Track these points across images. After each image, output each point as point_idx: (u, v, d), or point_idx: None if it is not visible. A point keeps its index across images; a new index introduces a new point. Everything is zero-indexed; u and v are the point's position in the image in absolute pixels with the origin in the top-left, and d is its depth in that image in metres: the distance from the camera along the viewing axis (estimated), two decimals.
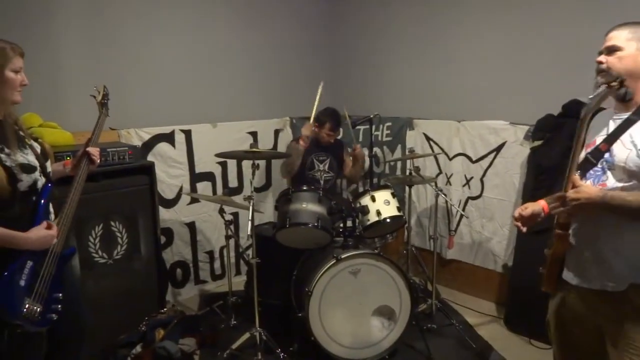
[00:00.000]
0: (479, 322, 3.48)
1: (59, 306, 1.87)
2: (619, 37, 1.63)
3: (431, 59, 4.08)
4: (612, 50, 1.63)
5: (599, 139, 1.68)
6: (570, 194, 1.57)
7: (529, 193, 3.23)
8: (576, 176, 1.60)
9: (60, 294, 1.88)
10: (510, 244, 3.59)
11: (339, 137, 4.00)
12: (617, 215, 1.56)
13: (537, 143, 3.28)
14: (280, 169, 3.83)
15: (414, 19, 4.15)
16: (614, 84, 1.51)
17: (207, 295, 3.92)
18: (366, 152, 3.73)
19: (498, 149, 3.63)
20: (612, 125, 1.67)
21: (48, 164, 2.01)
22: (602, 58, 1.65)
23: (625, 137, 1.61)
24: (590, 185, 1.63)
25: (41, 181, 1.91)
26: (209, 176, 3.93)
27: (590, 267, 1.64)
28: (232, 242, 3.75)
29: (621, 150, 1.60)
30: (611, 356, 1.64)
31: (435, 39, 4.03)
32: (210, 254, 4.01)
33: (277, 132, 4.39)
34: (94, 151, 2.05)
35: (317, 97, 3.43)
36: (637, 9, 2.80)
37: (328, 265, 2.77)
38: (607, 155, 1.63)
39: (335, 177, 3.85)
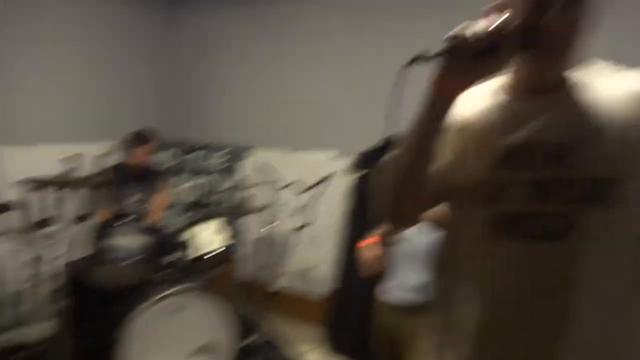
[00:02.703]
0: (307, 350, 3.53)
1: None
2: None
3: (265, 88, 4.14)
4: None
5: None
6: None
7: (354, 220, 3.42)
8: None
9: None
10: (335, 269, 3.73)
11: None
12: None
13: (361, 173, 3.51)
14: None
15: (251, 45, 4.17)
16: None
17: (5, 347, 3.37)
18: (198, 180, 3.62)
19: (326, 179, 3.78)
20: None
21: None
22: None
23: None
24: None
25: None
26: (12, 206, 3.43)
27: None
28: (40, 282, 3.30)
29: None
30: None
31: (270, 67, 4.10)
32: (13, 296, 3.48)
33: (101, 157, 4.03)
34: None
35: None
36: None
37: (146, 304, 2.58)
38: None
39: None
